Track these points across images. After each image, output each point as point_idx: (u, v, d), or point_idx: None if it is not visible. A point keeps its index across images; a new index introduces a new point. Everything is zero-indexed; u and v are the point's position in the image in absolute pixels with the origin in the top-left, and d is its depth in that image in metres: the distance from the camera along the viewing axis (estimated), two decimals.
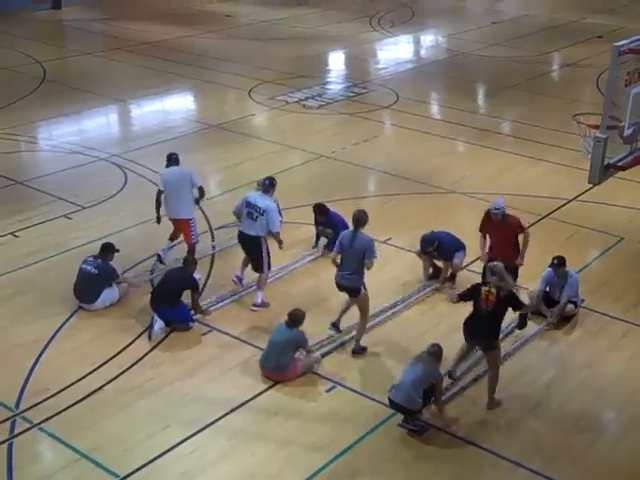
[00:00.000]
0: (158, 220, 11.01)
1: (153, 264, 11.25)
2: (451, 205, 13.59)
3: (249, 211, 10.12)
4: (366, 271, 9.21)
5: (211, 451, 8.00)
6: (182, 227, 10.96)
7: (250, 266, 10.49)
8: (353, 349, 9.51)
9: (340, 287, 9.41)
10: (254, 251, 10.25)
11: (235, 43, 24.23)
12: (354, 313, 9.66)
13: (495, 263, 8.61)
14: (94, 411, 8.50)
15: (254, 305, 10.37)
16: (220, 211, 12.46)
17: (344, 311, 9.79)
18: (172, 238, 11.26)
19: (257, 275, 10.41)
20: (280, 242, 10.31)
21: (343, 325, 9.84)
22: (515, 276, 9.98)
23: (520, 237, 10.19)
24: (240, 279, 10.66)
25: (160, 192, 10.84)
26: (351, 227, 9.38)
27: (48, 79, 20.19)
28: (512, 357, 9.51)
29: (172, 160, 11.07)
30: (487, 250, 10.23)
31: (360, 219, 9.20)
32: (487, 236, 10.26)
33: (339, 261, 9.38)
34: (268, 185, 10.29)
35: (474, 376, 9.11)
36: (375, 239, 11.83)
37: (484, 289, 8.41)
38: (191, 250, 10.95)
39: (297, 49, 23.51)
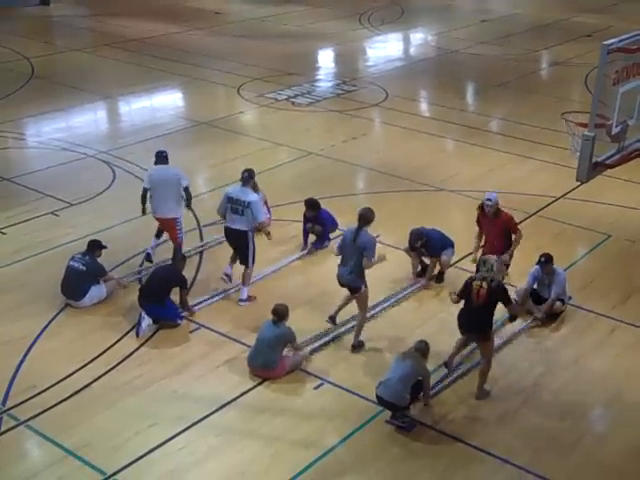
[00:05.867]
0: (143, 212, 10.98)
1: (141, 263, 11.21)
2: (440, 203, 13.61)
3: (233, 207, 10.12)
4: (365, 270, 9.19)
5: (199, 448, 7.98)
6: (168, 226, 10.92)
7: (238, 261, 10.51)
8: (352, 344, 9.53)
9: (341, 284, 9.44)
10: (241, 245, 10.28)
11: (224, 40, 24.19)
12: (351, 308, 9.72)
13: (488, 256, 8.79)
14: (81, 408, 8.48)
15: (240, 300, 10.40)
16: (208, 209, 12.40)
17: (342, 306, 9.82)
18: (158, 235, 11.22)
19: (242, 272, 10.40)
20: (268, 233, 10.42)
21: (339, 320, 9.88)
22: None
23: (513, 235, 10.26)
24: (229, 276, 10.64)
25: (145, 190, 10.77)
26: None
27: (36, 75, 20.10)
28: (499, 354, 9.52)
29: (161, 158, 10.96)
30: (482, 244, 10.28)
31: (364, 216, 9.17)
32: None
33: (339, 256, 9.35)
34: (247, 178, 10.30)
35: (460, 373, 9.14)
36: None
37: (475, 283, 8.48)
38: (177, 249, 10.89)
39: (286, 46, 23.48)
